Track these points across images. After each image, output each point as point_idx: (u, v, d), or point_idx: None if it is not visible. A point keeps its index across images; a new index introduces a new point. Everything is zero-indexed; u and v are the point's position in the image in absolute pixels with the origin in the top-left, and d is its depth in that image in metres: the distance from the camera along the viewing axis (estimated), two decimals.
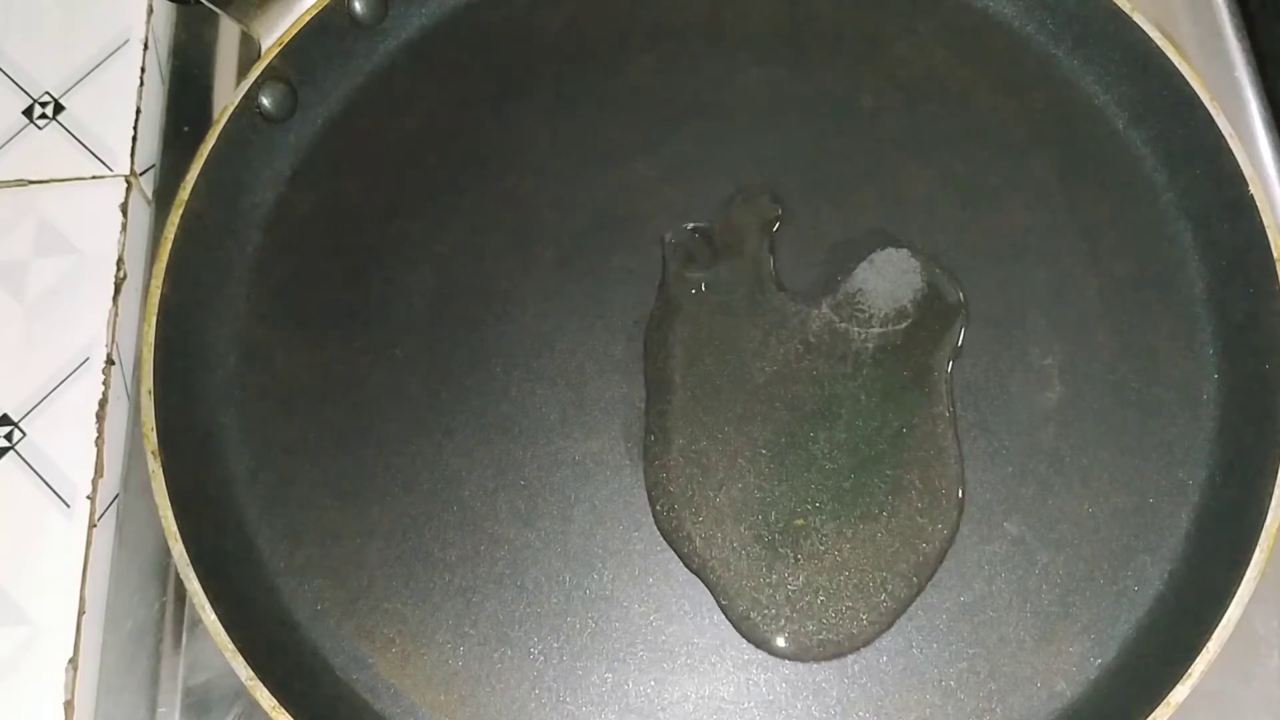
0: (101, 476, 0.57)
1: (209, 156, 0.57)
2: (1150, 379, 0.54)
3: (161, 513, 0.51)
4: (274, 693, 0.47)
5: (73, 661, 0.53)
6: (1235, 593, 0.47)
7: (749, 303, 0.57)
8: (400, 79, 0.63)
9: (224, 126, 0.58)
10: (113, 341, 0.59)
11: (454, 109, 0.62)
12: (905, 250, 0.57)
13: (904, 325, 0.56)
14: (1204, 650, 0.46)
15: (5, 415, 0.58)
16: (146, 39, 0.66)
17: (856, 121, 0.60)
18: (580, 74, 0.62)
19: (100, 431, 0.57)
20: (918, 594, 0.51)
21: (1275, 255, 0.52)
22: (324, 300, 0.58)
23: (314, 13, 0.60)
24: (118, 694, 0.54)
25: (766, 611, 0.51)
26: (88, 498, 0.56)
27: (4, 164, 0.63)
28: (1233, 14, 0.66)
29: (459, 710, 0.51)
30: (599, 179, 0.60)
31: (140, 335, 0.54)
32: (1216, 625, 0.47)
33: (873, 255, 0.57)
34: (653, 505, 0.53)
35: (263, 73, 0.59)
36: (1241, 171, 0.54)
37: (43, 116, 0.64)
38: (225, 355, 0.57)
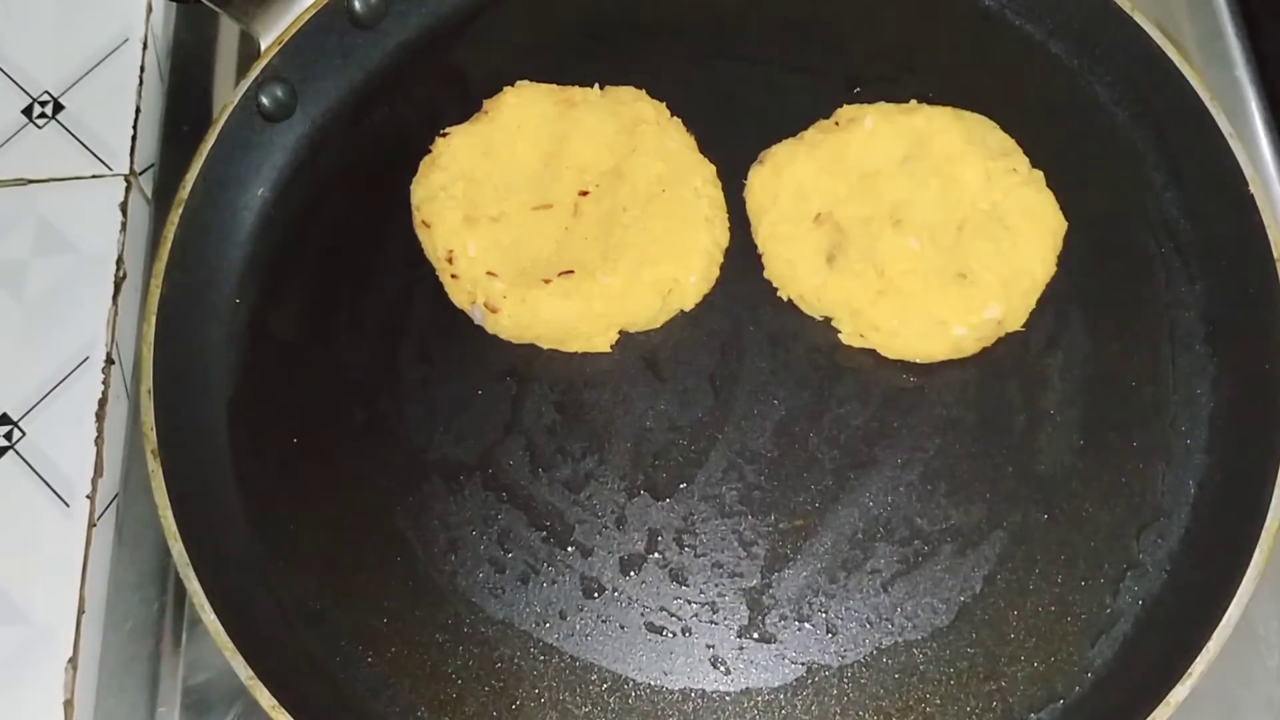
0: (101, 476, 0.57)
1: (208, 156, 0.57)
2: (1150, 379, 0.54)
3: (161, 513, 0.51)
4: (274, 693, 0.47)
5: (73, 661, 0.53)
6: (1235, 593, 0.47)
7: (754, 316, 0.57)
8: (400, 79, 0.63)
9: (223, 126, 0.58)
10: (113, 341, 0.59)
11: (453, 109, 0.61)
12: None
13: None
14: (1204, 650, 0.46)
15: (5, 415, 0.58)
16: (146, 39, 0.66)
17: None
18: (580, 73, 0.62)
19: (100, 431, 0.57)
20: (917, 594, 0.51)
21: (1275, 255, 0.52)
22: (324, 299, 0.58)
23: (313, 12, 0.60)
24: (118, 694, 0.54)
25: (768, 613, 0.51)
26: (87, 497, 0.56)
27: (4, 164, 0.63)
28: (1233, 14, 0.66)
29: (459, 710, 0.51)
30: None
31: (140, 335, 0.54)
32: (1216, 625, 0.47)
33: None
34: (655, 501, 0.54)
35: (262, 72, 0.59)
36: (1241, 171, 0.54)
37: (42, 116, 0.64)
38: (225, 355, 0.57)
